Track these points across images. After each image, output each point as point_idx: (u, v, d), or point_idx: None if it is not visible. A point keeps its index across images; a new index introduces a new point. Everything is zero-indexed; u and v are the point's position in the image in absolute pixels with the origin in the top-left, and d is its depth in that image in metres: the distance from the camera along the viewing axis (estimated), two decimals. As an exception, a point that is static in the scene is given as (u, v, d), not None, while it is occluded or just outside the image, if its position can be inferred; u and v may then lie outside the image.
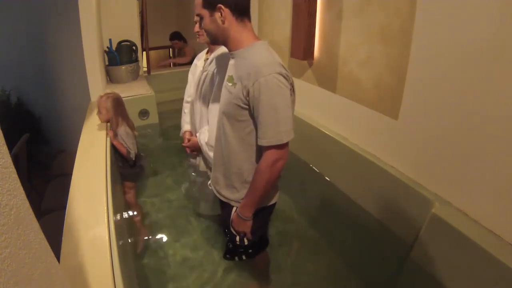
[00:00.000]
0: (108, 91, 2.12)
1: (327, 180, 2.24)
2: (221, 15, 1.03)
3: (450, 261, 1.38)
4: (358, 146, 1.98)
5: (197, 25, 1.50)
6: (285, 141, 1.01)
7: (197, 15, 1.10)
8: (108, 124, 2.11)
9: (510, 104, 1.17)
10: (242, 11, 1.06)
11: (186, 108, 1.81)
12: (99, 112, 2.03)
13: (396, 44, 1.61)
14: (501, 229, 1.27)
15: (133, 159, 2.02)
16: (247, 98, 1.01)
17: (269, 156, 1.04)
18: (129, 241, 1.81)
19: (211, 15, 1.05)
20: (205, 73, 1.52)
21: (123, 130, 1.99)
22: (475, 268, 1.27)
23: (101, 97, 2.03)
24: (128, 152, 1.99)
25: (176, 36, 4.09)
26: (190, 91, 1.76)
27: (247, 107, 1.04)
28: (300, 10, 2.16)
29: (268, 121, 0.99)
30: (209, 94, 1.50)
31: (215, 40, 1.12)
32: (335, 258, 1.76)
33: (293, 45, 2.33)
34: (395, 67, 1.63)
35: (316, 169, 2.36)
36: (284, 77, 1.00)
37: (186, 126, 1.78)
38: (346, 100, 2.04)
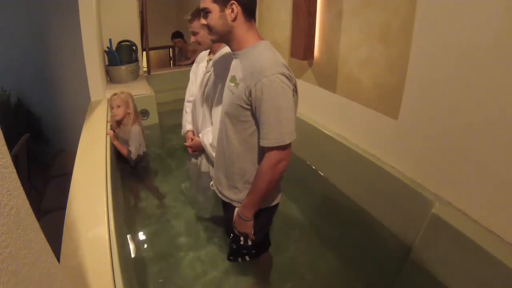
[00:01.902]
0: (118, 91, 2.10)
1: (327, 180, 2.24)
2: (232, 12, 1.02)
3: (450, 261, 1.37)
4: (358, 146, 1.98)
5: (192, 37, 1.51)
6: (287, 142, 1.01)
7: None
8: (108, 124, 2.11)
9: (510, 104, 1.17)
10: (251, 12, 1.06)
11: (188, 107, 1.80)
12: (117, 107, 1.99)
13: (396, 44, 1.61)
14: (501, 229, 1.27)
15: (133, 159, 2.02)
16: (250, 99, 1.01)
17: (271, 157, 1.03)
18: (129, 242, 1.80)
19: (222, 10, 1.03)
20: (207, 74, 1.52)
21: (137, 128, 1.99)
22: (475, 268, 1.26)
23: (119, 94, 2.02)
24: (129, 152, 1.99)
25: (179, 34, 4.09)
26: (192, 90, 1.76)
27: (249, 107, 1.03)
28: (300, 10, 2.16)
29: (270, 121, 0.99)
30: (212, 95, 1.49)
31: (218, 38, 1.09)
32: (335, 258, 1.76)
33: (293, 45, 2.32)
34: (395, 67, 1.63)
35: (315, 169, 2.36)
36: (287, 77, 1.00)
37: (188, 126, 1.77)
38: (346, 100, 2.04)
